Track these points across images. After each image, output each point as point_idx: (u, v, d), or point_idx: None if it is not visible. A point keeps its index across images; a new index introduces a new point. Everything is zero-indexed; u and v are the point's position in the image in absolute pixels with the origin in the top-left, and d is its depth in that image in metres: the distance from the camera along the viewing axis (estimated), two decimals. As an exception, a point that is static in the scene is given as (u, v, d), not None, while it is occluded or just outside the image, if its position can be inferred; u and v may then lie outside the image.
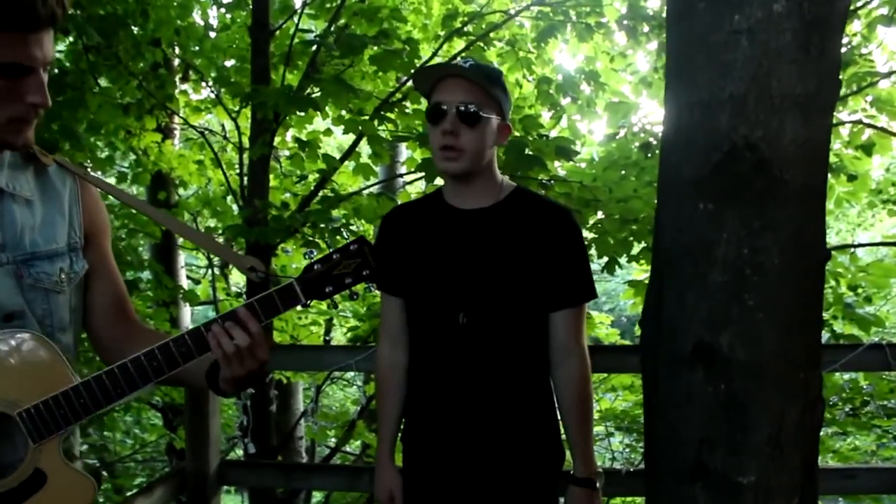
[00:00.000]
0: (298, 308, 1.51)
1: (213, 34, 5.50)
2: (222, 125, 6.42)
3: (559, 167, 5.10)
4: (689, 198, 1.31)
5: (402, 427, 2.02)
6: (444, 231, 1.88)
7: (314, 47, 4.08)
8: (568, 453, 1.91)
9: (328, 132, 4.98)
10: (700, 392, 1.31)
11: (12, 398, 1.36)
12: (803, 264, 1.28)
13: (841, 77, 1.36)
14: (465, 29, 4.82)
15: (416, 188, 5.74)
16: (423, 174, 3.74)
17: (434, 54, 4.68)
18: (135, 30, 4.82)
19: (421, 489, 1.93)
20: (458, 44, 5.03)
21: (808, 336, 1.30)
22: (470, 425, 1.85)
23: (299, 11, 4.35)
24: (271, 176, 5.54)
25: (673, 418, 1.35)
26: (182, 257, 6.28)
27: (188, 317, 6.10)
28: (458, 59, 2.07)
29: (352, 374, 6.77)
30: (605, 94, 5.13)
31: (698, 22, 1.29)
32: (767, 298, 1.26)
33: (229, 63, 5.62)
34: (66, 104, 3.92)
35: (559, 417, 1.89)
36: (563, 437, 1.89)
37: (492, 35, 5.24)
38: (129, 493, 4.67)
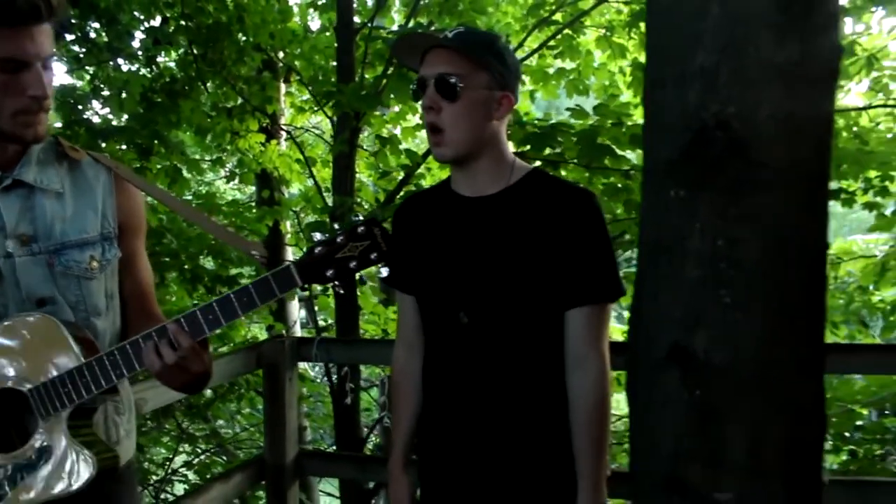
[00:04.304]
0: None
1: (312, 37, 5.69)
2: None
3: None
4: (663, 185, 1.19)
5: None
6: (448, 222, 1.74)
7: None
8: None
9: (419, 127, 5.01)
10: (676, 399, 1.18)
11: (26, 376, 1.47)
12: (791, 257, 1.13)
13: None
14: (554, 18, 4.70)
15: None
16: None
17: (520, 45, 4.60)
18: (240, 36, 5.08)
19: (432, 501, 1.82)
20: (549, 33, 4.92)
21: (799, 338, 1.14)
22: (475, 437, 1.71)
23: (376, 10, 4.38)
24: (369, 173, 5.67)
25: (649, 426, 1.23)
26: (290, 253, 6.53)
27: (295, 311, 6.35)
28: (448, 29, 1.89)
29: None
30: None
31: (667, -12, 1.16)
32: (746, 296, 1.12)
33: (334, 64, 5.79)
34: (159, 110, 4.18)
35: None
36: None
37: (587, 21, 5.08)
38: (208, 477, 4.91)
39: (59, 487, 1.44)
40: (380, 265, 1.40)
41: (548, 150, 3.42)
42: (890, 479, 3.32)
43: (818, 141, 1.14)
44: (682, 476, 1.18)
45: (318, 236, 4.22)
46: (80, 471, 1.44)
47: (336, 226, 1.40)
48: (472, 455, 1.72)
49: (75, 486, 1.44)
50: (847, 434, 4.72)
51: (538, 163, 3.40)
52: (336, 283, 1.43)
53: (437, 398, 1.80)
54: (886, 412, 4.56)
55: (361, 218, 1.39)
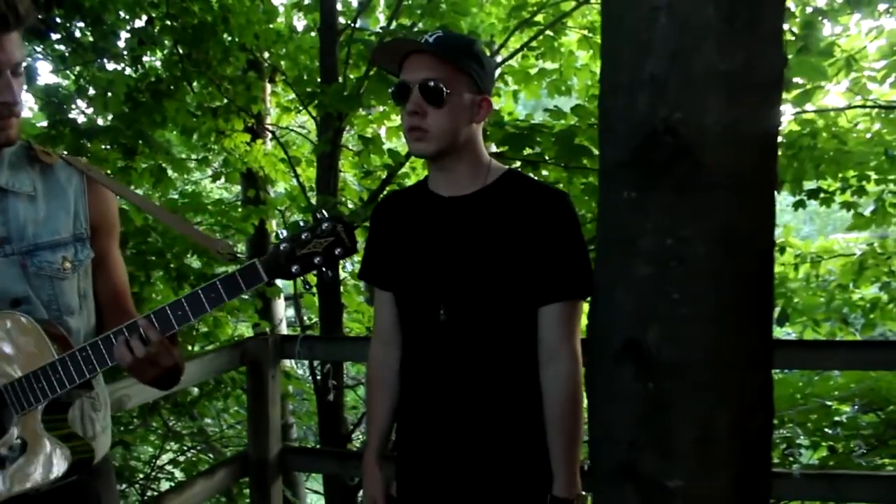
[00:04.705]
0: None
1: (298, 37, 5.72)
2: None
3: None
4: (616, 186, 1.24)
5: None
6: (426, 221, 1.78)
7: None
8: None
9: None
10: (629, 391, 1.24)
11: (1, 372, 1.50)
12: (736, 256, 1.18)
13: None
14: (536, 19, 4.75)
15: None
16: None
17: (501, 46, 4.66)
18: (225, 36, 5.10)
19: (409, 496, 1.84)
20: (531, 34, 4.97)
21: (745, 334, 1.20)
22: (452, 431, 1.75)
23: (358, 12, 4.42)
24: (354, 172, 5.72)
25: (605, 417, 1.29)
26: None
27: (281, 310, 6.38)
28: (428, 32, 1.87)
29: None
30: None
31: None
32: (693, 293, 1.18)
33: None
34: (143, 109, 4.20)
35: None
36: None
37: (570, 23, 5.13)
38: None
39: (34, 480, 1.48)
40: (344, 260, 1.42)
41: (527, 151, 3.48)
42: (855, 472, 3.40)
43: (762, 145, 1.19)
44: (636, 465, 1.23)
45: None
46: (55, 464, 1.48)
47: (301, 223, 1.44)
48: (450, 448, 1.75)
49: (50, 479, 1.47)
50: (829, 430, 4.80)
51: (517, 163, 3.45)
52: (303, 277, 1.46)
53: (415, 393, 1.83)
54: (855, 406, 4.64)
55: (326, 215, 1.42)
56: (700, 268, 1.17)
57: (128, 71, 4.97)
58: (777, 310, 6.61)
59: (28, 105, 5.83)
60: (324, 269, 1.42)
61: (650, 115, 1.17)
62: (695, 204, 1.16)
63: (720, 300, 1.18)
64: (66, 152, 1.73)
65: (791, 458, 4.00)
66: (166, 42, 5.01)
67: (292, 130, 6.29)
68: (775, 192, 1.25)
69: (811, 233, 15.93)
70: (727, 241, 1.17)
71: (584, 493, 1.69)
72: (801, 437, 4.44)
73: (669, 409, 1.20)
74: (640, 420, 1.23)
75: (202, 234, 1.74)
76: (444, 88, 1.64)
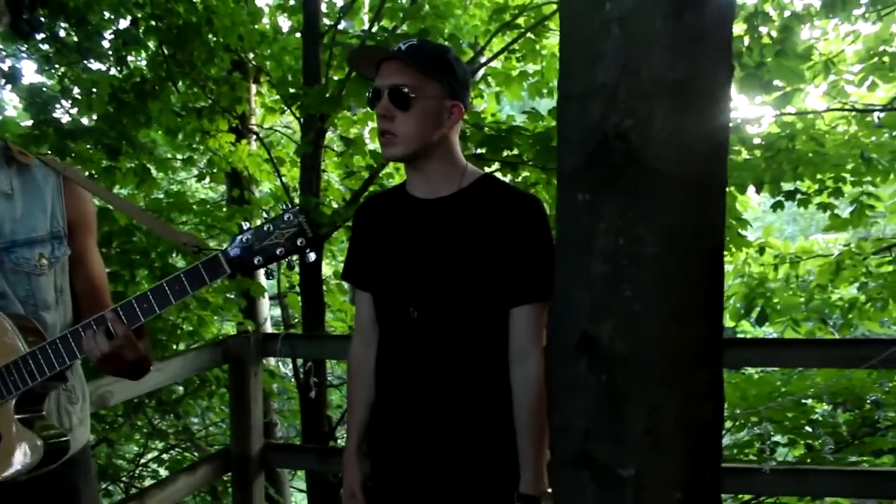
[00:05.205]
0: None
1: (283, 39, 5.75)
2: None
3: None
4: (572, 189, 1.30)
5: None
6: (403, 222, 1.85)
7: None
8: None
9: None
10: (585, 383, 1.29)
11: None
12: (685, 254, 1.24)
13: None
14: (517, 22, 4.81)
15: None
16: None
17: (482, 49, 4.72)
18: (210, 37, 5.14)
19: (381, 489, 1.91)
20: (513, 36, 5.03)
21: (694, 329, 1.26)
22: (421, 428, 1.80)
23: (340, 16, 4.47)
24: (339, 172, 5.76)
25: (563, 409, 1.35)
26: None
27: (266, 308, 6.42)
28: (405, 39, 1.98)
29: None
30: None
31: (574, 12, 1.27)
32: (644, 289, 1.24)
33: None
34: (127, 110, 4.23)
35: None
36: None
37: (551, 25, 5.19)
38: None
39: (8, 471, 1.52)
40: (307, 251, 1.46)
41: (506, 152, 3.54)
42: (825, 467, 3.48)
43: (710, 149, 1.25)
44: (591, 454, 1.29)
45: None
46: (30, 454, 1.52)
47: (264, 215, 1.49)
48: (420, 443, 1.81)
49: (24, 470, 1.52)
50: (809, 428, 4.89)
51: (496, 164, 3.52)
52: (267, 268, 1.50)
53: (388, 389, 1.89)
54: (829, 404, 4.74)
55: (289, 206, 1.47)
56: (651, 266, 1.23)
57: (112, 71, 4.99)
58: (757, 310, 6.71)
59: (12, 104, 5.84)
60: (286, 259, 1.47)
61: (602, 122, 1.23)
62: (645, 206, 1.22)
63: (670, 297, 1.24)
64: (49, 152, 1.79)
65: (765, 454, 4.08)
66: (151, 43, 5.03)
67: (277, 131, 6.33)
68: (725, 194, 1.32)
69: (794, 233, 16.11)
70: (677, 241, 1.23)
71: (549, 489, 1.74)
72: (777, 435, 4.52)
73: (622, 399, 1.26)
74: (595, 411, 1.29)
75: (167, 227, 1.79)
76: (410, 94, 1.70)
